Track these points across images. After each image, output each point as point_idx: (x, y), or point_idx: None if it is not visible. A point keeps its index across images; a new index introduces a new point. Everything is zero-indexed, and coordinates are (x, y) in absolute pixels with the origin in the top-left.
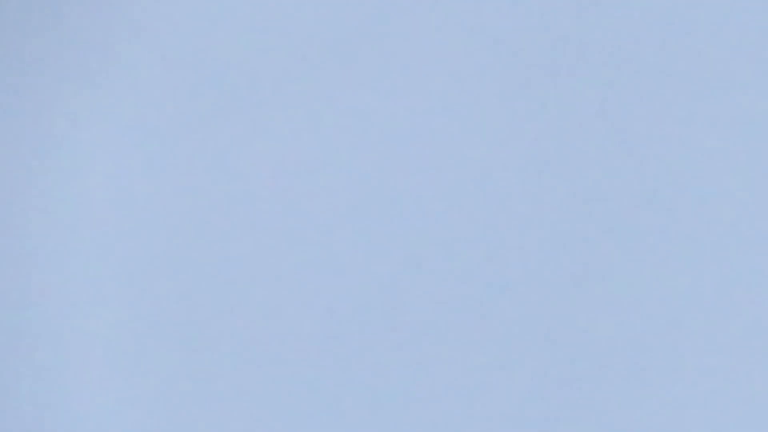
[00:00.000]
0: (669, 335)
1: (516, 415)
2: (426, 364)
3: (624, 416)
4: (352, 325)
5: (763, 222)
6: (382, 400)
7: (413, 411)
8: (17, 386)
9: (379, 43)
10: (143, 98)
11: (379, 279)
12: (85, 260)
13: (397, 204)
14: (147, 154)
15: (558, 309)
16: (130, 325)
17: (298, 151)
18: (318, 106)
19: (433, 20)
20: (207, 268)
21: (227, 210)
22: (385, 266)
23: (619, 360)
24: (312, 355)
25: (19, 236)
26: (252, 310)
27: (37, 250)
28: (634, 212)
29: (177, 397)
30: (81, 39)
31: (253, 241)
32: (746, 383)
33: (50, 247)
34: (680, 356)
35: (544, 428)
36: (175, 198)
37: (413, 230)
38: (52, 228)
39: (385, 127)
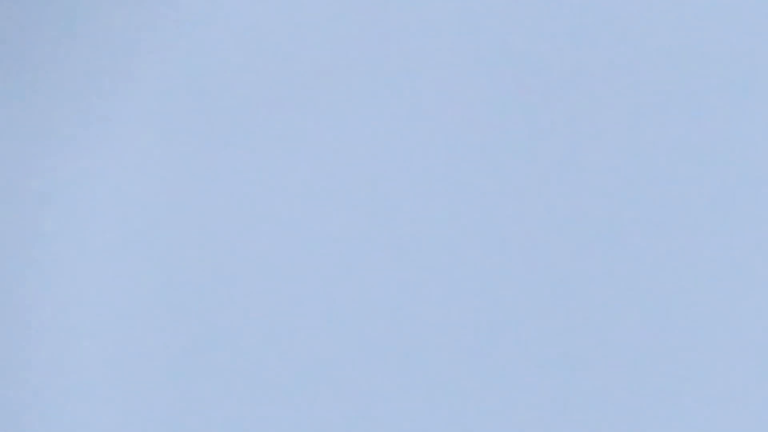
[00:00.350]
0: (670, 339)
1: (517, 417)
2: (426, 370)
3: (627, 420)
4: (354, 331)
5: (763, 223)
6: (385, 405)
7: (415, 415)
8: (17, 390)
9: (381, 61)
10: (148, 111)
11: (383, 291)
12: (90, 267)
13: (398, 215)
14: (150, 164)
15: (560, 314)
16: (135, 331)
17: (301, 163)
18: (319, 122)
19: (430, 39)
20: (209, 276)
21: (230, 219)
22: (388, 279)
23: (622, 364)
24: (318, 359)
25: (26, 240)
26: (254, 317)
27: (43, 255)
28: (636, 218)
29: (178, 402)
30: (90, 49)
31: (254, 251)
32: (747, 384)
33: (55, 253)
34: (681, 360)
35: (545, 430)
36: (179, 207)
37: (413, 241)
38: (57, 233)
39: (390, 141)
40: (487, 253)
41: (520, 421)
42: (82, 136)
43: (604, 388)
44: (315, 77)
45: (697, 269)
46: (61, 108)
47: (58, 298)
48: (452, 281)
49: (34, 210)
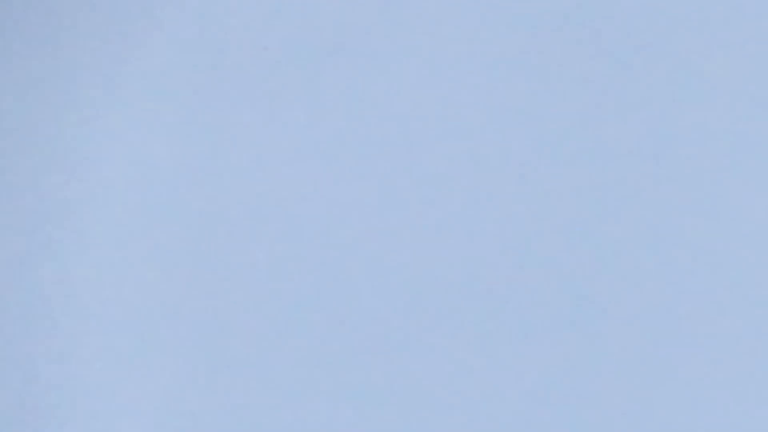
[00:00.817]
0: (670, 337)
1: (520, 415)
2: (429, 364)
3: (628, 417)
4: (359, 320)
5: (763, 222)
6: (390, 401)
7: (419, 410)
8: (28, 383)
9: (386, 35)
10: (150, 95)
11: (385, 275)
12: (97, 258)
13: (406, 198)
14: (155, 152)
15: (563, 309)
16: (143, 323)
17: (308, 146)
18: (325, 100)
19: (437, 13)
20: (217, 265)
21: (237, 207)
22: (392, 262)
23: (623, 361)
24: (324, 353)
25: (31, 234)
26: (262, 305)
27: (49, 248)
28: (644, 208)
29: (187, 397)
30: (91, 36)
31: (262, 237)
32: (746, 384)
33: (62, 245)
34: (680, 356)
35: (546, 427)
36: (186, 193)
37: (420, 226)
38: (63, 225)
39: (395, 121)
40: (493, 240)
41: (523, 419)
42: (90, 108)
43: (601, 381)
44: (317, 57)
45: (699, 266)
46: (65, 97)
47: (62, 291)
48: (454, 265)
49: (41, 188)
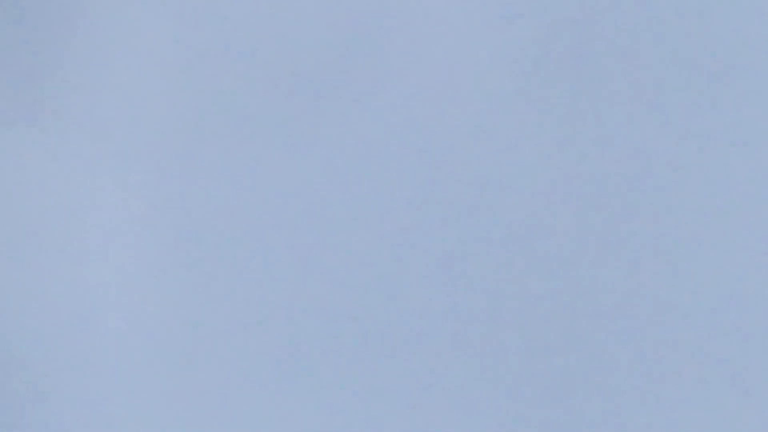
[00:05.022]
0: (668, 341)
1: (514, 418)
2: (422, 371)
3: (624, 419)
4: (352, 329)
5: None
6: (382, 406)
7: (409, 415)
8: (25, 389)
9: (378, 52)
10: (141, 112)
11: (386, 290)
12: (92, 265)
13: (398, 208)
14: (149, 163)
15: (559, 314)
16: (137, 331)
17: (300, 162)
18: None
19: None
20: (210, 274)
21: (230, 216)
22: (392, 279)
23: (621, 363)
24: (318, 357)
25: (27, 239)
26: (253, 313)
27: (46, 254)
28: (639, 214)
29: (183, 400)
30: (77, 45)
31: (254, 246)
32: (746, 385)
33: (57, 252)
34: (679, 359)
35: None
36: (178, 204)
37: (414, 237)
38: (58, 232)
39: (387, 135)
40: (488, 252)
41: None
42: (83, 129)
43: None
44: (315, 70)
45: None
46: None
47: (58, 297)
48: (453, 276)
49: (35, 207)
